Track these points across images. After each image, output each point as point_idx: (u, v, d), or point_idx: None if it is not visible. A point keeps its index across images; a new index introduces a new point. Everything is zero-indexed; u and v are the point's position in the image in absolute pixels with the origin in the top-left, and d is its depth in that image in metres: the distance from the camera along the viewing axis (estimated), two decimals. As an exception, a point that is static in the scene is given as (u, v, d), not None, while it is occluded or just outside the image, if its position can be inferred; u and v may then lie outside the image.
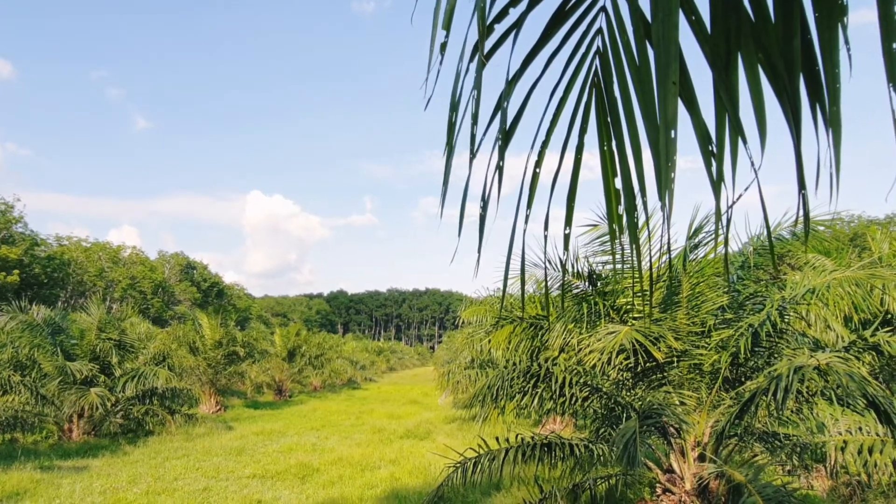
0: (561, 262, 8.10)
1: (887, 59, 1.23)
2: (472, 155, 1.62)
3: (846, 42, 1.32)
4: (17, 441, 12.97)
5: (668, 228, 1.44)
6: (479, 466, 7.04)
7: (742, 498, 6.52)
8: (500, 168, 1.62)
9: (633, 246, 1.72)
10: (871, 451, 6.76)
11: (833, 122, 1.34)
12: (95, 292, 40.42)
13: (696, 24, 1.47)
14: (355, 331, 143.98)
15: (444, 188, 1.68)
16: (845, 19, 1.30)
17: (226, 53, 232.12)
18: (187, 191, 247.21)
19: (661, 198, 1.37)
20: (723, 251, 7.97)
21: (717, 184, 1.46)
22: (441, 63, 1.57)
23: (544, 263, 2.36)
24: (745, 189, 1.44)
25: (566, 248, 1.81)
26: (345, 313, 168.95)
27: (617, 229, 1.78)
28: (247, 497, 8.71)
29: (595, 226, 7.94)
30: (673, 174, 1.36)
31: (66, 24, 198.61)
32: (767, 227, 1.45)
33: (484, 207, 1.65)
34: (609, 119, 1.69)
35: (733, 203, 1.49)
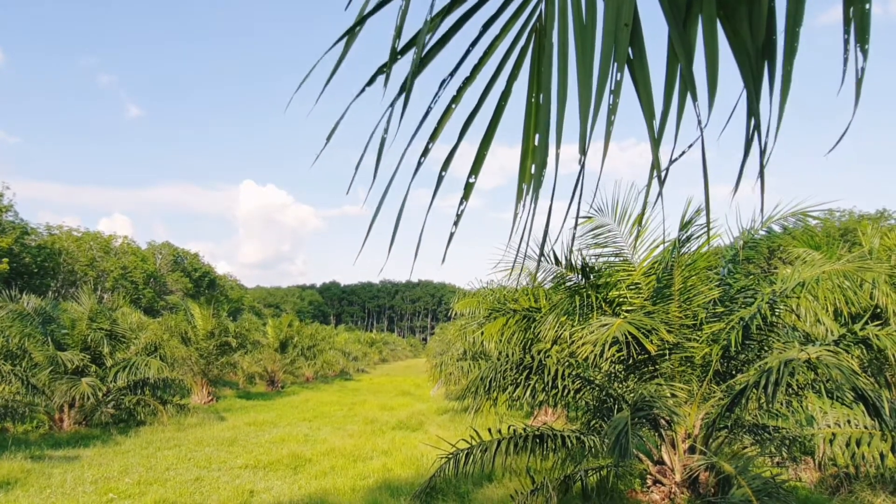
0: (556, 256, 8.11)
1: (857, 20, 1.23)
2: (388, 68, 1.54)
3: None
4: (7, 431, 12.90)
5: (581, 186, 1.35)
6: (472, 457, 7.07)
7: (731, 489, 6.58)
8: (407, 90, 1.53)
9: (532, 205, 1.57)
10: (858, 444, 6.84)
11: (784, 80, 1.32)
12: (86, 282, 40.16)
13: None
14: (348, 322, 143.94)
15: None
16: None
17: (219, 42, 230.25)
18: (179, 180, 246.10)
19: (582, 149, 1.31)
20: (716, 244, 8.01)
21: (656, 143, 1.39)
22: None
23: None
24: (689, 146, 1.39)
25: (465, 198, 1.65)
26: (337, 304, 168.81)
27: (525, 188, 1.61)
28: (239, 487, 8.71)
29: (589, 217, 7.94)
30: (613, 117, 1.31)
31: (57, 9, 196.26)
32: (705, 177, 1.40)
33: (382, 139, 1.56)
34: (541, 69, 1.57)
35: (674, 160, 1.44)
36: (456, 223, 1.69)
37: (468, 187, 1.65)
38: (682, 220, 7.40)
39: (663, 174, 1.39)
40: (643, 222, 7.68)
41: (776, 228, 7.77)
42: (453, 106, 1.63)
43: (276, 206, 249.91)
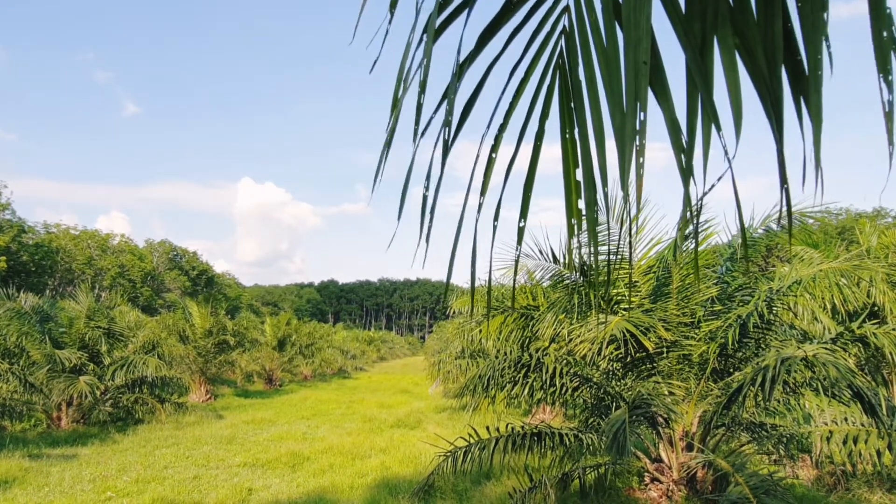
0: (554, 255, 8.11)
1: (877, 49, 1.20)
2: (418, 132, 1.54)
3: (825, 37, 1.27)
4: (5, 429, 12.89)
5: (634, 220, 1.39)
6: (470, 455, 7.08)
7: (728, 487, 6.60)
8: (444, 155, 1.54)
9: (591, 242, 1.62)
10: (855, 441, 6.86)
11: (814, 112, 1.26)
12: (84, 280, 40.06)
13: (669, 4, 1.39)
14: (346, 320, 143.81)
15: (379, 171, 1.60)
16: (825, 15, 1.25)
17: (218, 38, 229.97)
18: (177, 177, 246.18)
19: (624, 187, 1.30)
20: (712, 243, 8.02)
21: (686, 173, 1.38)
22: (390, 23, 1.48)
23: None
24: (718, 179, 1.36)
25: (519, 243, 1.71)
26: (336, 303, 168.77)
27: (576, 224, 1.66)
28: (237, 485, 8.71)
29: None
30: (642, 159, 1.29)
31: (53, 5, 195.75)
32: (740, 218, 1.41)
33: (427, 188, 1.57)
34: (573, 105, 1.58)
35: (704, 194, 1.42)
36: (515, 270, 1.97)
37: (520, 232, 1.70)
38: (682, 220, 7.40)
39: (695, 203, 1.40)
40: (642, 222, 7.69)
41: (774, 227, 7.78)
42: (494, 155, 1.64)
43: (274, 204, 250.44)
